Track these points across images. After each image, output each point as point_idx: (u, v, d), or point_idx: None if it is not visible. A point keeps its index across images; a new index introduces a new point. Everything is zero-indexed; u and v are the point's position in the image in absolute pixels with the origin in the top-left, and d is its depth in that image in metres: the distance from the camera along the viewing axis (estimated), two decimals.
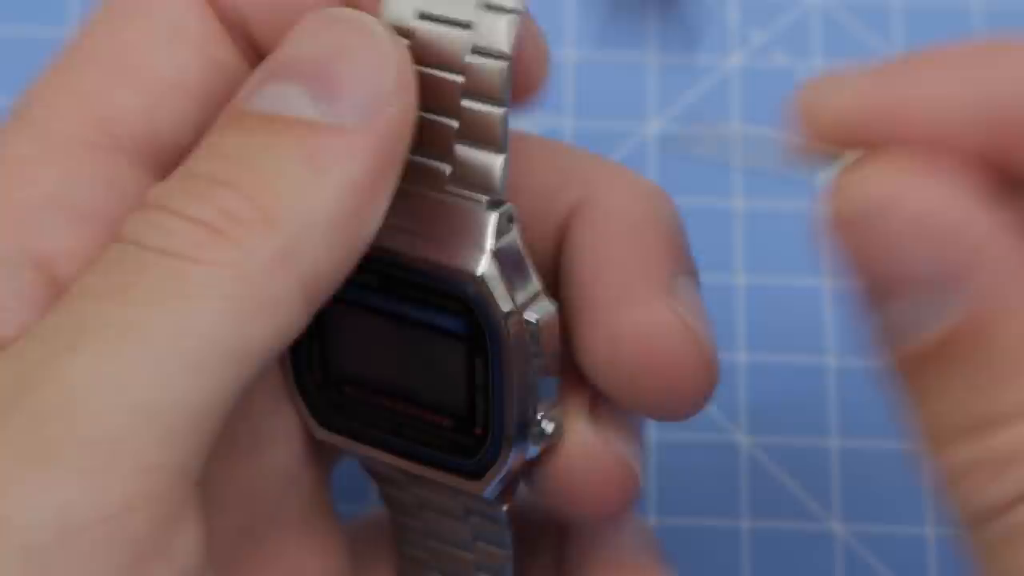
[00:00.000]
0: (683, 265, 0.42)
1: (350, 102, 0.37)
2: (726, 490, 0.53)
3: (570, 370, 0.42)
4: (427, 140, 0.39)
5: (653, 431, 0.54)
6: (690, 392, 0.42)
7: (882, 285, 0.36)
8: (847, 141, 0.37)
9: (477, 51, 0.39)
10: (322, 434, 0.43)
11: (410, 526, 0.46)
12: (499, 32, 0.39)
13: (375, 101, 0.38)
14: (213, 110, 0.39)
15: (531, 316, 0.40)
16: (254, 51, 0.41)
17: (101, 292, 0.36)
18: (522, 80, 0.39)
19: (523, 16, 0.39)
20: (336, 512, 0.46)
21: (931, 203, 0.35)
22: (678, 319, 0.41)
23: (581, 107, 0.57)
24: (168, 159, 0.39)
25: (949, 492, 0.36)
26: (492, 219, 0.39)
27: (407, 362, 0.42)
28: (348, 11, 0.39)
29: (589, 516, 0.44)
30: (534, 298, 0.40)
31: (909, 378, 0.37)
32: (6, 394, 0.35)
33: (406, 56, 0.38)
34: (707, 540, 0.53)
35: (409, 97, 0.38)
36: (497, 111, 0.39)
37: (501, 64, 0.38)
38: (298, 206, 0.37)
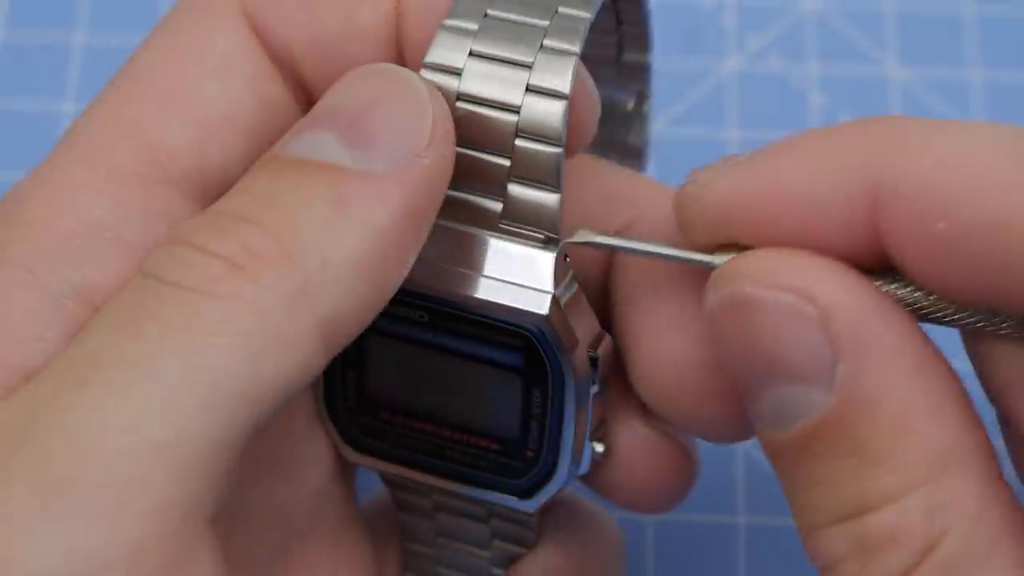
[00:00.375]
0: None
1: (383, 151, 0.37)
2: (723, 486, 0.53)
3: (619, 377, 0.42)
4: (479, 178, 0.39)
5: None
6: (727, 415, 0.41)
7: (755, 375, 0.36)
8: (724, 232, 0.37)
9: (532, 90, 0.38)
10: (354, 456, 0.43)
11: (421, 525, 0.46)
12: (558, 73, 0.38)
13: (409, 151, 0.37)
14: (262, 146, 0.39)
15: (595, 352, 0.40)
16: (303, 91, 0.41)
17: (115, 326, 0.36)
18: (576, 123, 0.39)
19: (579, 59, 0.39)
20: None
21: (799, 297, 0.35)
22: (695, 349, 0.41)
23: None
24: (216, 192, 0.39)
25: None
26: (551, 259, 0.39)
27: (455, 391, 0.42)
28: (390, 65, 0.39)
29: (655, 508, 0.44)
30: (592, 332, 0.40)
31: (784, 467, 0.37)
32: (17, 431, 0.35)
33: (444, 109, 0.38)
34: (703, 536, 0.53)
35: (445, 149, 0.38)
36: (553, 151, 0.38)
37: (559, 104, 0.38)
38: (320, 246, 0.36)
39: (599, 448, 0.42)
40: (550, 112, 0.38)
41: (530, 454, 0.42)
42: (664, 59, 0.59)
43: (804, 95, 0.61)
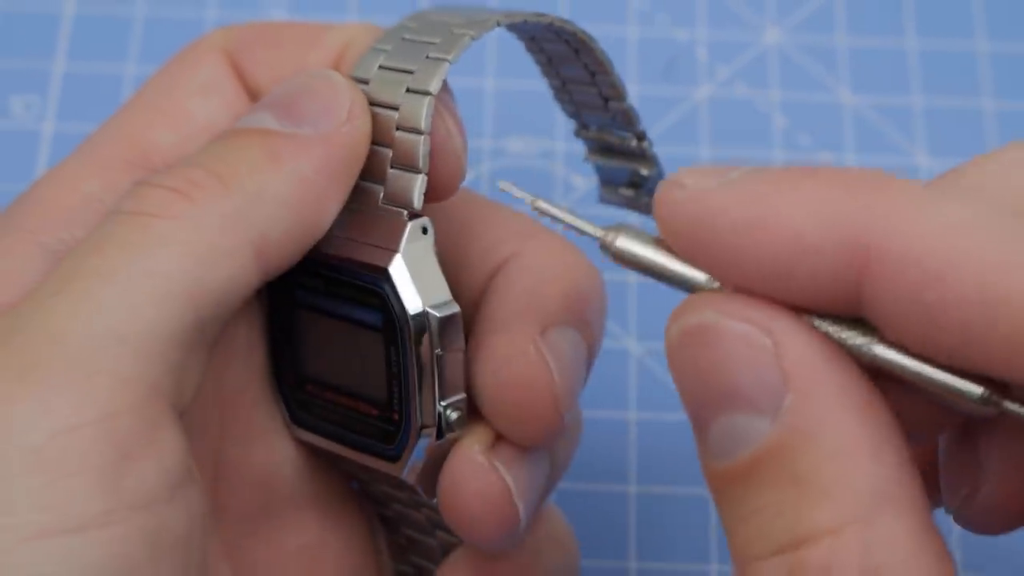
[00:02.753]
0: (569, 318, 0.43)
1: (309, 121, 0.41)
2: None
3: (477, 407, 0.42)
4: (369, 167, 0.41)
5: (633, 411, 0.55)
6: (534, 413, 0.42)
7: (708, 402, 0.35)
8: (702, 247, 0.36)
9: (408, 91, 0.41)
10: (295, 431, 0.44)
11: (386, 516, 0.46)
12: (429, 76, 0.41)
13: (330, 124, 0.41)
14: None
15: (434, 310, 0.40)
16: None
17: (83, 249, 0.38)
18: (437, 147, 0.41)
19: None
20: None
21: (757, 327, 0.35)
22: (534, 351, 0.41)
23: (569, 134, 0.55)
24: None
25: None
26: (408, 227, 0.41)
27: (344, 358, 0.43)
28: (319, 69, 0.43)
29: (467, 535, 0.42)
30: (441, 300, 0.41)
31: (726, 496, 0.35)
32: (2, 333, 0.37)
33: (360, 96, 0.41)
34: (679, 505, 0.54)
35: (361, 124, 0.41)
36: (417, 137, 0.41)
37: (424, 99, 0.41)
38: (252, 181, 0.39)
39: (453, 416, 0.41)
40: (417, 107, 0.41)
41: (395, 417, 0.42)
42: (645, 86, 0.62)
43: (767, 118, 0.62)
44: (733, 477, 0.35)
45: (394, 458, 0.42)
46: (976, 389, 0.35)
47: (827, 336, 0.35)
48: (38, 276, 0.40)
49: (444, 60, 0.41)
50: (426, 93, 0.41)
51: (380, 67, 0.42)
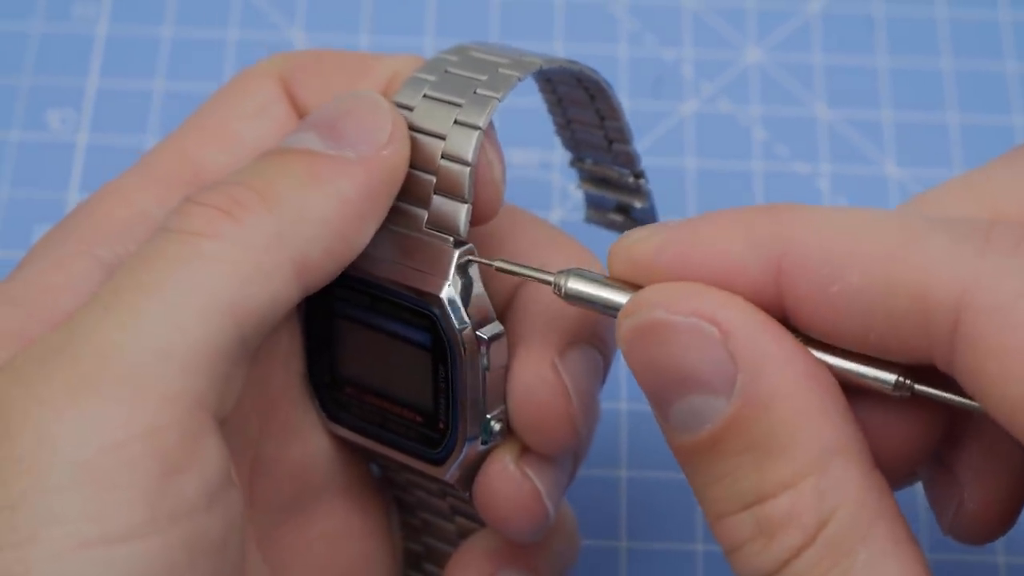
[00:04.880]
0: (586, 337, 0.43)
1: (351, 143, 0.40)
2: None
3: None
4: (414, 191, 0.41)
5: (624, 401, 0.55)
6: (554, 432, 0.42)
7: (666, 389, 0.37)
8: (648, 282, 0.38)
9: (457, 123, 0.41)
10: (330, 426, 0.44)
11: (406, 500, 0.46)
12: (479, 111, 0.40)
13: (372, 146, 0.40)
14: None
15: (483, 333, 0.41)
16: None
17: (133, 264, 0.38)
18: (481, 177, 0.41)
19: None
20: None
21: (702, 318, 0.36)
22: (553, 377, 0.42)
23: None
24: None
25: (730, 560, 0.36)
26: (455, 254, 0.41)
27: (388, 368, 0.43)
28: (361, 89, 0.42)
29: (502, 531, 0.44)
30: (486, 320, 0.41)
31: (693, 467, 0.37)
32: (58, 345, 0.36)
33: (401, 121, 0.41)
34: (669, 490, 0.54)
35: (401, 147, 0.40)
36: (465, 169, 0.40)
37: (472, 133, 0.40)
38: (294, 203, 0.39)
39: (497, 427, 0.42)
40: (466, 140, 0.40)
41: (441, 426, 0.42)
42: (635, 102, 0.62)
43: (748, 131, 0.62)
44: (698, 450, 0.36)
45: (437, 462, 0.42)
46: (889, 376, 0.37)
47: (765, 314, 0.37)
48: (94, 288, 0.39)
49: (494, 98, 0.41)
50: (476, 127, 0.40)
51: (425, 96, 0.41)
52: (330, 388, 0.44)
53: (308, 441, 0.45)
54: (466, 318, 0.41)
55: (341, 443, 0.45)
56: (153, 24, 0.64)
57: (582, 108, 0.45)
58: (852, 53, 0.64)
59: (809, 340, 0.37)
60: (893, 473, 0.37)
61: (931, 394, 0.37)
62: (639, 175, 0.47)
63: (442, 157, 0.41)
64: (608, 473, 0.54)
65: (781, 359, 0.36)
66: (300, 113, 0.44)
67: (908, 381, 0.37)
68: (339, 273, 0.40)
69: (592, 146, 0.46)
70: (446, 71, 0.42)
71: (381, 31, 0.64)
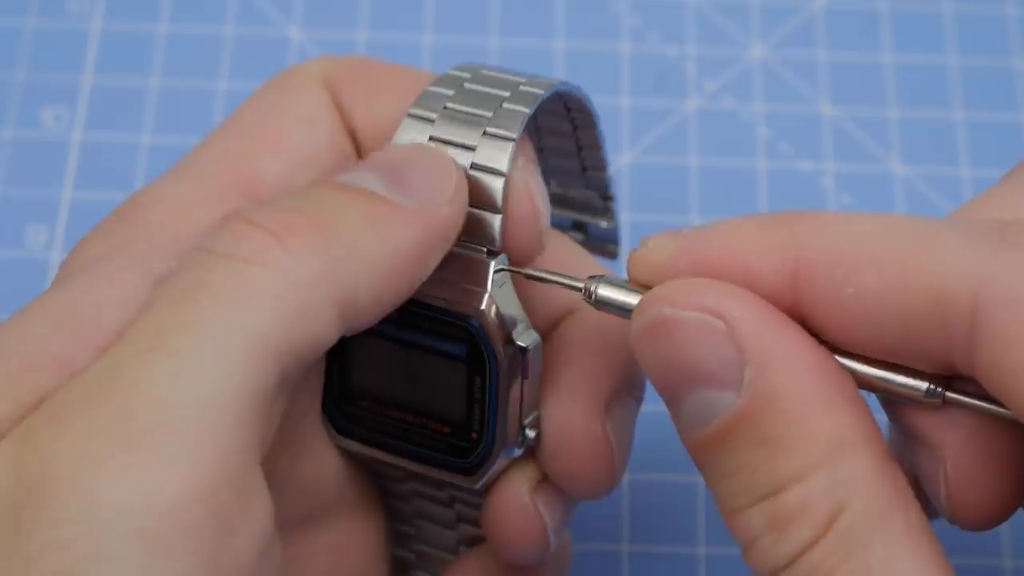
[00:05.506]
0: (630, 389, 0.43)
1: (414, 193, 0.39)
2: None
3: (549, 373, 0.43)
4: None
5: None
6: (591, 484, 0.43)
7: (676, 384, 0.37)
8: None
9: (487, 134, 0.41)
10: (338, 440, 0.44)
11: (402, 508, 0.46)
12: (510, 123, 0.41)
13: (433, 199, 0.39)
14: None
15: (521, 343, 0.41)
16: (361, 146, 0.44)
17: (175, 296, 0.36)
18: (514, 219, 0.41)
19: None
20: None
21: (709, 313, 0.36)
22: (600, 431, 0.42)
23: None
24: None
25: (745, 555, 0.37)
26: (491, 266, 0.41)
27: (416, 380, 0.42)
28: (431, 144, 0.41)
29: (501, 554, 0.44)
30: (524, 331, 0.41)
31: (705, 461, 0.37)
32: (103, 390, 0.35)
33: (464, 181, 0.40)
34: (669, 493, 0.54)
35: (461, 207, 0.40)
36: (499, 181, 0.40)
37: (507, 145, 0.40)
38: (350, 242, 0.38)
39: (531, 434, 0.42)
40: (499, 150, 0.40)
41: (474, 436, 0.42)
42: (637, 100, 0.62)
43: (752, 129, 0.62)
44: (709, 445, 0.37)
45: (468, 471, 0.42)
46: (921, 384, 0.37)
47: (773, 307, 0.37)
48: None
49: (523, 111, 0.41)
50: (509, 139, 0.40)
51: (447, 108, 0.41)
52: (341, 402, 0.44)
53: (320, 459, 0.44)
54: (507, 329, 0.41)
55: (348, 458, 0.45)
56: (148, 20, 0.64)
57: (561, 138, 0.46)
58: (857, 50, 0.64)
59: (835, 349, 0.37)
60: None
61: (962, 401, 0.37)
62: (608, 198, 0.48)
63: (472, 168, 0.41)
64: None
65: (789, 352, 0.36)
66: (347, 124, 0.44)
67: (939, 388, 0.37)
68: (378, 320, 0.39)
69: (563, 172, 0.47)
70: (463, 87, 0.42)
71: (379, 28, 0.64)
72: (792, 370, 0.36)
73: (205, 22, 0.64)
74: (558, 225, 0.49)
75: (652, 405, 0.54)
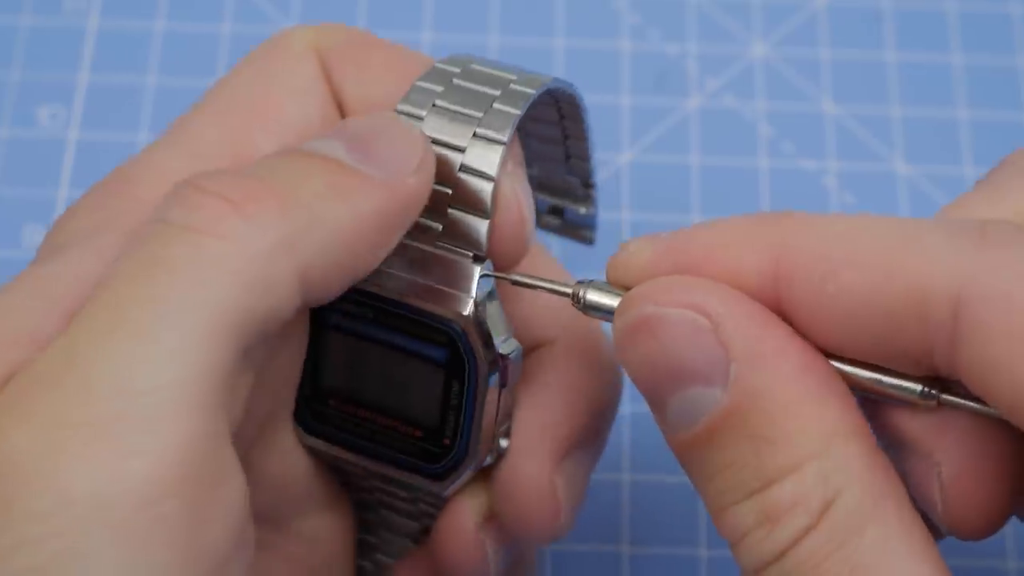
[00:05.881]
0: (591, 439, 0.43)
1: (378, 163, 0.39)
2: None
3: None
4: (428, 203, 0.40)
5: (627, 404, 0.53)
6: (534, 531, 0.43)
7: (661, 383, 0.37)
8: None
9: (476, 136, 0.40)
10: (306, 439, 0.43)
11: (365, 517, 0.46)
12: (502, 125, 0.40)
13: (398, 170, 0.39)
14: None
15: (503, 351, 0.41)
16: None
17: (132, 271, 0.35)
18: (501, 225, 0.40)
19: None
20: None
21: (693, 310, 0.36)
22: (549, 486, 0.42)
23: None
24: None
25: (734, 551, 0.36)
26: (477, 271, 0.40)
27: (390, 382, 0.42)
28: (399, 116, 0.40)
29: (442, 566, 0.44)
30: (506, 339, 0.41)
31: (693, 461, 0.37)
32: (59, 373, 0.34)
33: (432, 155, 0.40)
34: (671, 493, 0.54)
35: (426, 179, 0.39)
36: (488, 185, 0.40)
37: (497, 148, 0.40)
38: (310, 210, 0.37)
39: (503, 444, 0.42)
40: (489, 153, 0.40)
41: (446, 442, 0.42)
42: (637, 98, 0.62)
43: (753, 127, 0.62)
44: (696, 444, 0.36)
45: (437, 477, 0.42)
46: (915, 385, 0.37)
47: (758, 304, 0.37)
48: None
49: (514, 113, 0.40)
50: (500, 142, 0.40)
51: (435, 106, 0.41)
52: (310, 401, 0.43)
53: (288, 456, 0.43)
54: (490, 337, 0.40)
55: (316, 457, 0.44)
56: (145, 18, 0.64)
57: (547, 125, 0.45)
58: (860, 47, 0.64)
59: (825, 354, 0.37)
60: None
61: (957, 403, 0.37)
62: (590, 186, 0.48)
63: (460, 170, 0.40)
64: (610, 477, 0.54)
65: (775, 347, 0.36)
66: (337, 98, 0.43)
67: (934, 390, 0.37)
68: (339, 293, 0.39)
69: (546, 158, 0.46)
70: (453, 83, 0.41)
71: (378, 25, 0.64)
72: (779, 365, 0.36)
73: (202, 20, 0.64)
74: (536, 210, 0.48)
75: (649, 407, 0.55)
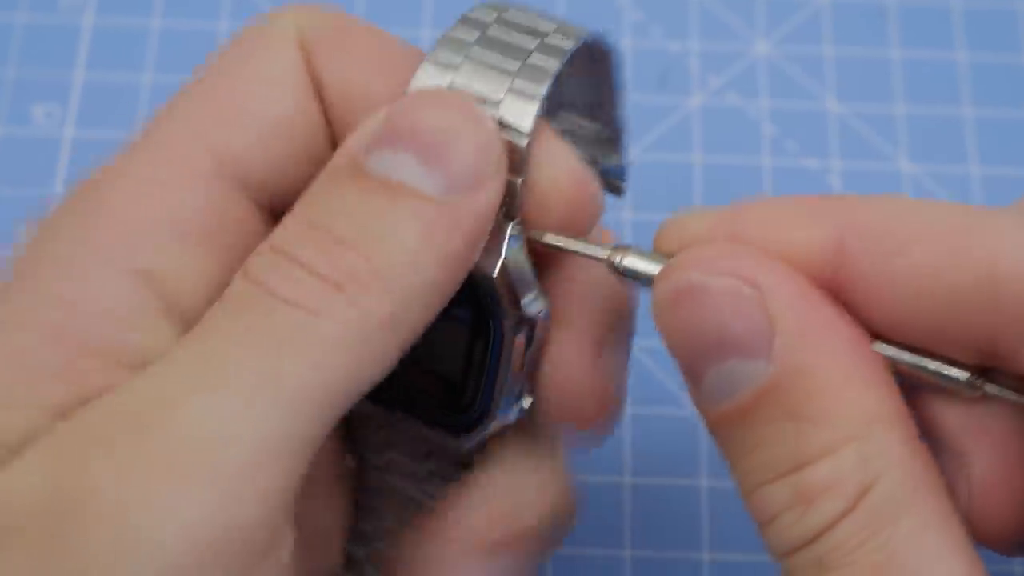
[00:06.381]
0: (623, 330, 0.42)
1: (459, 177, 0.37)
2: (687, 453, 0.54)
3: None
4: None
5: (629, 405, 0.54)
6: (589, 420, 0.41)
7: (701, 353, 0.36)
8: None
9: (512, 91, 0.39)
10: None
11: (372, 462, 0.45)
12: (538, 80, 0.39)
13: (478, 178, 0.37)
14: (305, 152, 0.40)
15: (532, 311, 0.40)
16: (328, 113, 0.41)
17: (236, 335, 0.35)
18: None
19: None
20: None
21: (740, 279, 0.36)
22: (598, 369, 0.41)
23: None
24: (267, 190, 0.39)
25: (764, 533, 0.36)
26: (507, 229, 0.39)
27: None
28: (454, 93, 0.38)
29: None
30: (534, 298, 0.40)
31: (727, 436, 0.36)
32: (151, 415, 0.34)
33: (503, 145, 0.38)
34: (671, 496, 0.54)
35: (503, 176, 0.38)
36: (523, 140, 0.38)
37: (533, 103, 0.39)
38: (408, 275, 0.36)
39: (527, 403, 0.41)
40: (524, 108, 0.39)
41: (470, 398, 0.41)
42: (639, 96, 0.62)
43: (757, 126, 0.62)
44: (732, 418, 0.36)
45: (456, 431, 0.42)
46: (961, 373, 0.37)
47: (804, 278, 0.36)
48: (135, 310, 0.36)
49: (549, 69, 0.39)
50: (535, 97, 0.39)
51: (468, 57, 0.39)
52: None
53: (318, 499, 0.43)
54: (519, 296, 0.40)
55: (332, 433, 0.42)
56: (141, 15, 0.64)
57: (577, 69, 0.43)
58: (864, 45, 0.64)
59: (872, 334, 0.37)
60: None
61: (1005, 396, 0.37)
62: (620, 134, 0.46)
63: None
64: (612, 480, 0.54)
65: (823, 324, 0.36)
66: (316, 88, 0.41)
67: (980, 380, 0.37)
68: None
69: (573, 106, 0.45)
70: (486, 33, 0.40)
71: (376, 22, 0.62)
72: (825, 343, 0.35)
73: (198, 17, 0.64)
74: None
75: (652, 408, 0.55)
